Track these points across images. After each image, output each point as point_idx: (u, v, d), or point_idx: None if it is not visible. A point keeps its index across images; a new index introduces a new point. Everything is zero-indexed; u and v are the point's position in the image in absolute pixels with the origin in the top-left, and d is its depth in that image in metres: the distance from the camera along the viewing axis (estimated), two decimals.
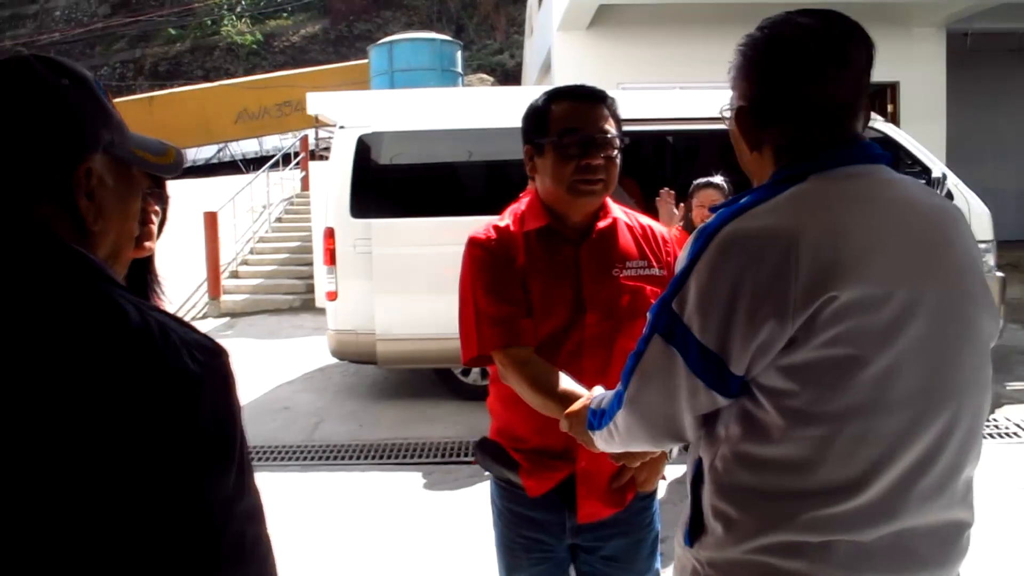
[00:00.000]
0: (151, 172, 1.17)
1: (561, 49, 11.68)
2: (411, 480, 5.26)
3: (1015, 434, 5.74)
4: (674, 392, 1.32)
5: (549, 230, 1.97)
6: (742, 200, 1.32)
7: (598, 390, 1.70)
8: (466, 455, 5.66)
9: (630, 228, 2.03)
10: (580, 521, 1.99)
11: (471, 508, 4.74)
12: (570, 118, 1.92)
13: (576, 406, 1.71)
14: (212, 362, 0.96)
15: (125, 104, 28.74)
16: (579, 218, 1.98)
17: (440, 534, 4.41)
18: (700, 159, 8.52)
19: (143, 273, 1.51)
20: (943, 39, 11.72)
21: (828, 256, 1.21)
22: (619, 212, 2.05)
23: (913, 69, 11.43)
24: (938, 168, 6.45)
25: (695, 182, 4.98)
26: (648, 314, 1.37)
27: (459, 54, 17.63)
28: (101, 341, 0.90)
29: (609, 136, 1.92)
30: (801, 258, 1.21)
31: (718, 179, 4.92)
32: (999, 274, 6.60)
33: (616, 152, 1.94)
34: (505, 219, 2.03)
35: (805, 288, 1.20)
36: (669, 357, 1.31)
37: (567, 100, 1.95)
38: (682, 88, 7.25)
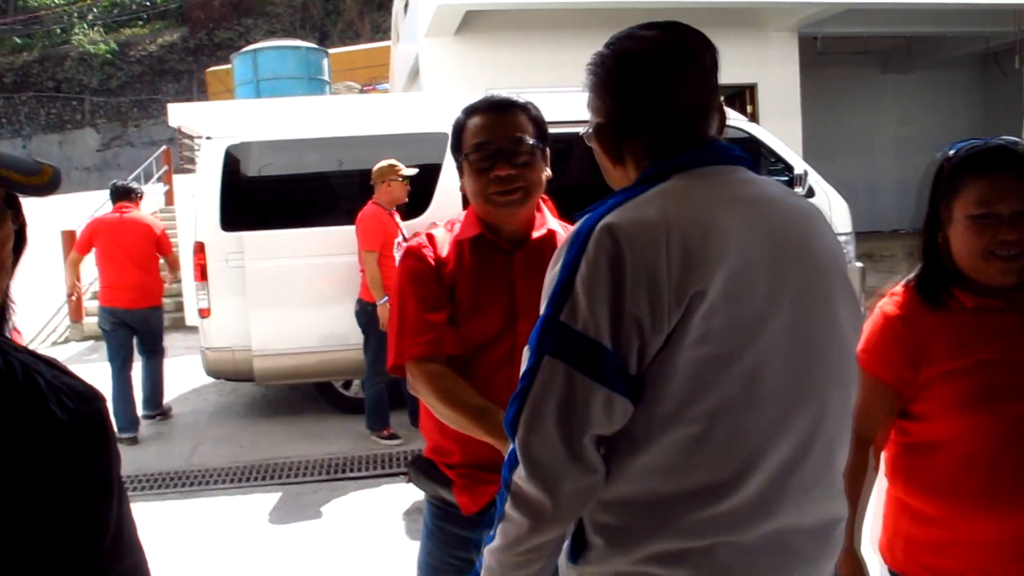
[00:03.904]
0: (18, 193, 1.06)
1: (429, 55, 11.61)
2: (298, 499, 5.12)
3: None
4: (584, 414, 1.22)
5: (482, 240, 1.98)
6: (606, 203, 1.32)
7: None
8: (353, 470, 5.56)
9: None
10: None
11: (362, 524, 4.66)
12: (481, 131, 1.93)
13: None
14: (84, 408, 0.88)
15: None
16: (512, 228, 1.99)
17: (333, 551, 4.31)
18: (569, 162, 8.66)
19: None
20: (796, 42, 12.26)
21: (697, 250, 1.22)
22: (556, 224, 2.06)
23: (769, 71, 11.92)
24: (800, 165, 6.73)
25: None
26: (528, 346, 1.29)
27: (325, 62, 17.33)
28: None
29: (521, 144, 1.92)
30: (672, 252, 1.21)
31: None
32: (859, 264, 6.95)
33: (530, 158, 1.94)
34: (441, 227, 2.06)
35: (677, 282, 1.20)
36: (569, 376, 1.22)
37: (479, 114, 1.96)
38: (550, 92, 7.31)
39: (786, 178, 6.48)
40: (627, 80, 1.37)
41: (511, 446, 1.29)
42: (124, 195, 7.00)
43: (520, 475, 1.24)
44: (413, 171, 5.87)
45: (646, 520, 1.26)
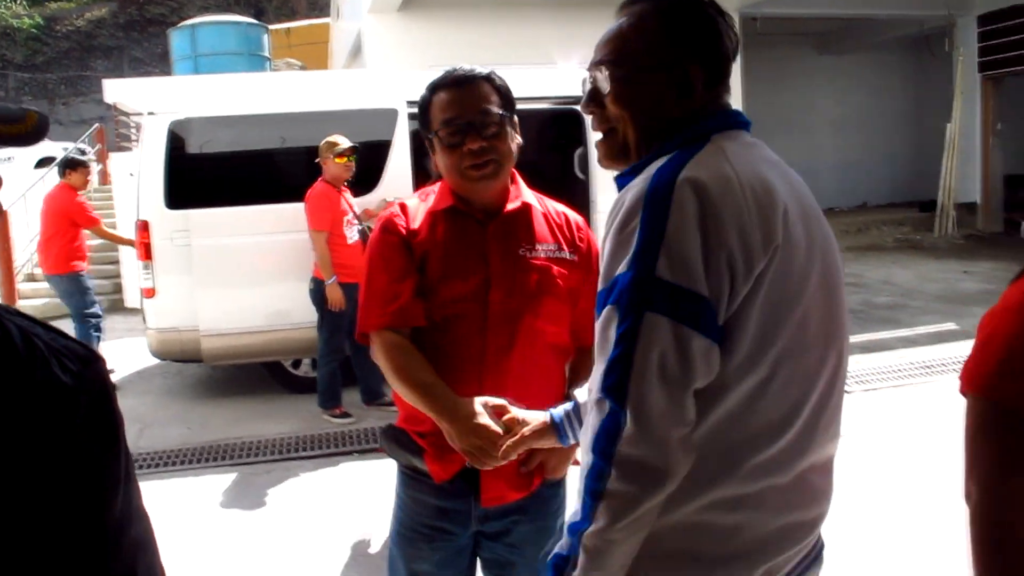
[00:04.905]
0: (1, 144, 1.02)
1: (372, 32, 11.47)
2: (251, 479, 5.07)
3: None
4: (688, 366, 1.21)
5: (456, 211, 1.99)
6: (665, 162, 1.30)
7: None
8: (305, 449, 5.52)
9: (543, 214, 2.07)
10: (484, 505, 1.97)
11: (316, 502, 4.64)
12: (447, 108, 1.94)
13: (534, 427, 1.77)
14: (86, 371, 0.87)
15: None
16: (486, 200, 2.01)
17: (288, 530, 4.28)
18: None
19: None
20: (735, 22, 12.41)
21: (765, 204, 1.27)
22: (531, 197, 2.08)
23: None
24: None
25: None
26: (614, 306, 1.24)
27: (266, 38, 16.98)
28: None
29: (489, 116, 1.93)
30: (749, 205, 1.25)
31: None
32: None
33: (499, 129, 1.95)
34: (415, 198, 2.08)
35: (762, 233, 1.25)
36: (675, 330, 1.20)
37: (443, 90, 1.97)
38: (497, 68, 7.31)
39: None
40: (708, 32, 1.41)
41: (600, 418, 1.23)
42: (61, 167, 7.56)
43: (631, 441, 1.20)
44: (346, 143, 5.79)
45: (713, 467, 1.29)
